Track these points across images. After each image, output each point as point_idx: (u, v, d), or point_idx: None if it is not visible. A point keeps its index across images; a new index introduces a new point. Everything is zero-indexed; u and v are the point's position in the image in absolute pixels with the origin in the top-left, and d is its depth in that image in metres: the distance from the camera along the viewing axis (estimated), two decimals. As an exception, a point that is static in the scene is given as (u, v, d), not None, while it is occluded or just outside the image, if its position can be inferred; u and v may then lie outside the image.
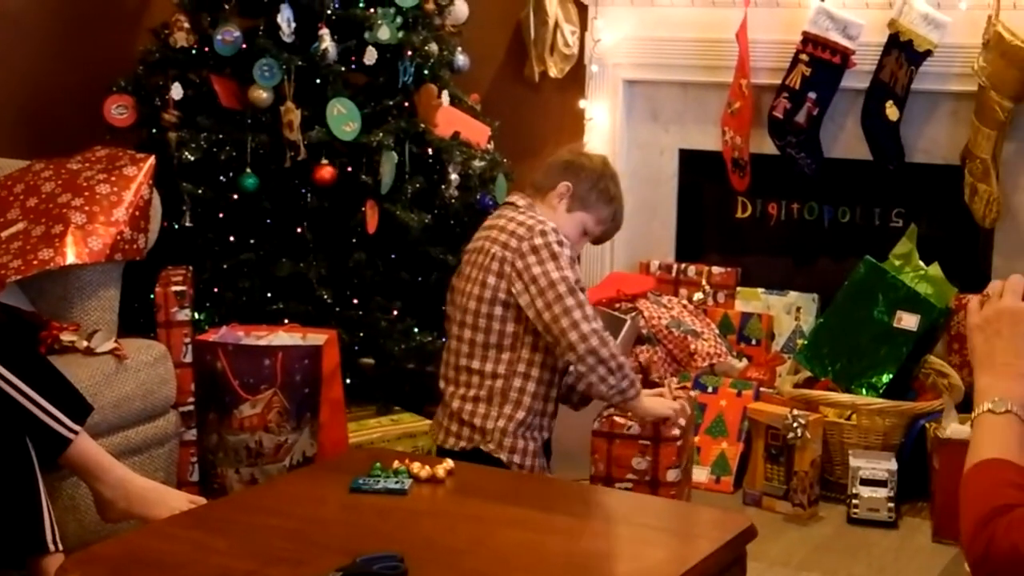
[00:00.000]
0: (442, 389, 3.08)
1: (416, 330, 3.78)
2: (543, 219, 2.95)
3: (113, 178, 3.22)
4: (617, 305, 4.12)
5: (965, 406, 3.48)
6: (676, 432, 3.05)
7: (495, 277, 2.89)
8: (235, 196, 3.70)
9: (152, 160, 3.32)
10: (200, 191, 3.69)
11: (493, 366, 2.91)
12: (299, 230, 3.73)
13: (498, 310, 2.89)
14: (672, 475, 3.06)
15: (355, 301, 3.77)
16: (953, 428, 3.27)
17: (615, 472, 3.09)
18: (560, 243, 2.89)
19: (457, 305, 3.03)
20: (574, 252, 3.03)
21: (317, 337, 3.31)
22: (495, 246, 2.92)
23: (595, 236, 3.14)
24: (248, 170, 3.67)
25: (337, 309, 3.74)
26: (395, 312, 3.79)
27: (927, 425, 3.48)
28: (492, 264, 2.89)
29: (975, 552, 1.51)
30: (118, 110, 3.82)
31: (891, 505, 3.39)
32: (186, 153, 3.67)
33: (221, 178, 3.72)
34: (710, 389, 3.85)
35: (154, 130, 3.77)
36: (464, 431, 3.01)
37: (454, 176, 3.88)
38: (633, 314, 4.03)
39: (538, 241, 2.86)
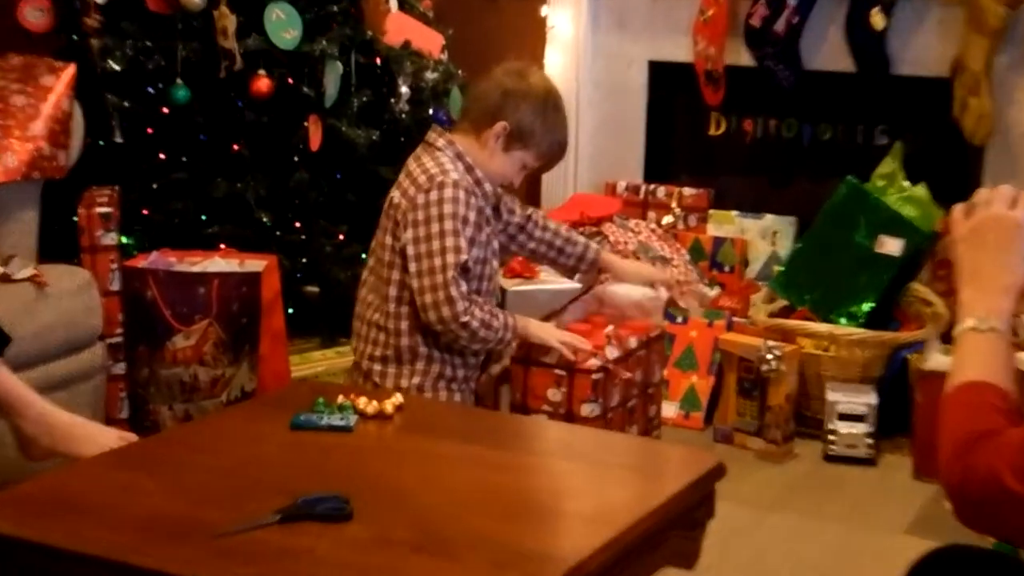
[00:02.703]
0: (353, 347, 3.03)
1: (363, 255, 3.76)
2: (449, 166, 2.86)
3: (29, 89, 3.18)
4: (581, 229, 4.12)
5: (950, 336, 3.52)
6: (593, 363, 3.02)
7: (394, 225, 2.87)
8: (165, 109, 3.67)
9: (72, 69, 3.29)
10: (126, 104, 3.66)
11: (395, 322, 2.88)
12: (235, 147, 3.71)
13: (399, 260, 2.86)
14: (587, 409, 3.02)
15: (297, 224, 3.76)
16: (936, 360, 3.32)
17: (531, 402, 3.06)
18: (456, 199, 2.81)
19: (372, 253, 2.99)
20: (516, 180, 3.00)
21: (256, 263, 3.30)
22: (397, 192, 2.89)
23: (536, 169, 3.10)
24: (179, 81, 3.64)
25: (277, 233, 3.73)
26: (340, 236, 3.79)
27: (909, 357, 3.53)
28: (396, 214, 2.87)
29: (952, 478, 1.52)
30: (34, 13, 3.76)
31: (870, 441, 3.44)
32: (110, 62, 3.63)
33: (149, 90, 3.68)
34: (679, 319, 3.87)
35: (74, 36, 3.72)
36: None
37: (404, 89, 3.86)
38: (598, 239, 4.04)
39: (433, 196, 2.81)
